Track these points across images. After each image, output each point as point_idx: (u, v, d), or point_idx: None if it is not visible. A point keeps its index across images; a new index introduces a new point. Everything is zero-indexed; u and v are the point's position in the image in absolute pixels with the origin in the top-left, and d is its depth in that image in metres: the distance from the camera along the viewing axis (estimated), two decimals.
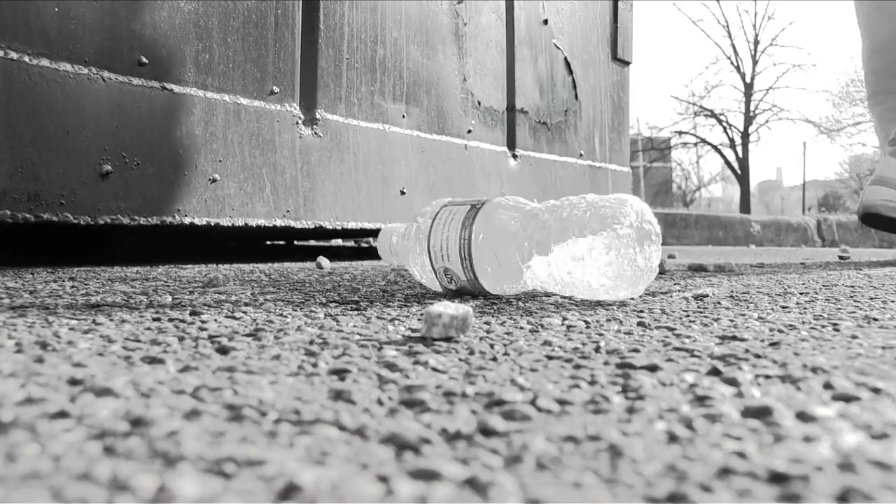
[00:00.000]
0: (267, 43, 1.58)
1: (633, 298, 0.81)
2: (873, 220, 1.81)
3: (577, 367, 0.42)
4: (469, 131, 2.14)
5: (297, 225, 1.64)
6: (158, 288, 0.92)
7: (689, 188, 21.32)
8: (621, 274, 0.72)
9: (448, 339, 0.51)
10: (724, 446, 0.26)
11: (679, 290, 0.96)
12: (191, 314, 0.64)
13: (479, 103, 2.19)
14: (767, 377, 0.39)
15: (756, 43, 17.14)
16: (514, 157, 2.33)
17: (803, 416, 0.30)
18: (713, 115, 17.15)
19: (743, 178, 16.82)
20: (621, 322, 0.63)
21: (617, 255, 0.71)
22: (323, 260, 1.49)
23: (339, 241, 3.50)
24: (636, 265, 0.72)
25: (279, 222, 1.60)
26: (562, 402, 0.33)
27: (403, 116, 1.92)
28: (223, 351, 0.46)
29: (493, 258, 0.78)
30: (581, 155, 2.67)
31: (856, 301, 0.82)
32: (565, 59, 2.57)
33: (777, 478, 0.23)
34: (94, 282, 1.00)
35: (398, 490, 0.22)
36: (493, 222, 0.78)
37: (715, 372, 0.40)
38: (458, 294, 0.85)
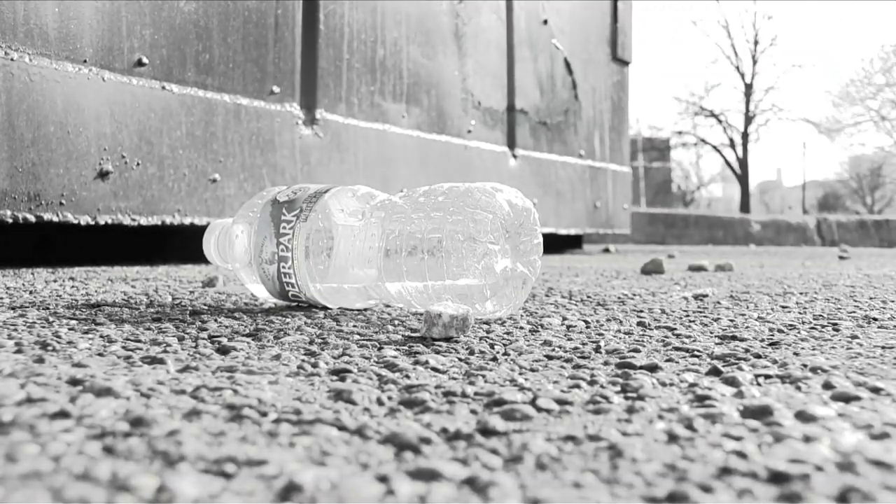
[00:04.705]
0: (267, 43, 1.58)
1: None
2: None
3: (577, 366, 0.42)
4: (469, 131, 2.14)
5: None
6: (158, 288, 0.92)
7: (689, 188, 21.33)
8: (500, 300, 0.61)
9: (448, 339, 0.51)
10: (724, 446, 0.26)
11: (679, 290, 0.96)
12: (191, 314, 0.64)
13: (479, 103, 2.19)
14: (767, 377, 0.39)
15: (756, 43, 17.14)
16: (515, 156, 2.33)
17: (803, 416, 0.30)
18: (713, 114, 17.15)
19: (743, 177, 16.82)
20: (621, 322, 0.63)
21: (494, 298, 0.60)
22: None
23: None
24: (513, 291, 0.62)
25: None
26: (562, 402, 0.33)
27: (403, 116, 1.92)
28: (223, 351, 0.46)
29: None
30: (581, 155, 2.67)
31: (855, 301, 0.82)
32: (565, 59, 2.57)
33: (777, 477, 0.23)
34: (94, 282, 1.00)
35: (398, 490, 0.22)
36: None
37: (715, 372, 0.40)
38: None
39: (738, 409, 0.32)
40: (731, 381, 0.37)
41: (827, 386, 0.36)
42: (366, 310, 0.70)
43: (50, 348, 0.45)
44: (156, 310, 0.68)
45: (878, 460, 0.25)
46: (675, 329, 0.58)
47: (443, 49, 2.05)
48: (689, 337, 0.54)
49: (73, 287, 0.91)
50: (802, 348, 0.49)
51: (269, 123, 1.58)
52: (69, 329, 0.54)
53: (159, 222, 1.40)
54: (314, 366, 0.41)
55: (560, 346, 0.49)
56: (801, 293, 0.93)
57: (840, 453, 0.25)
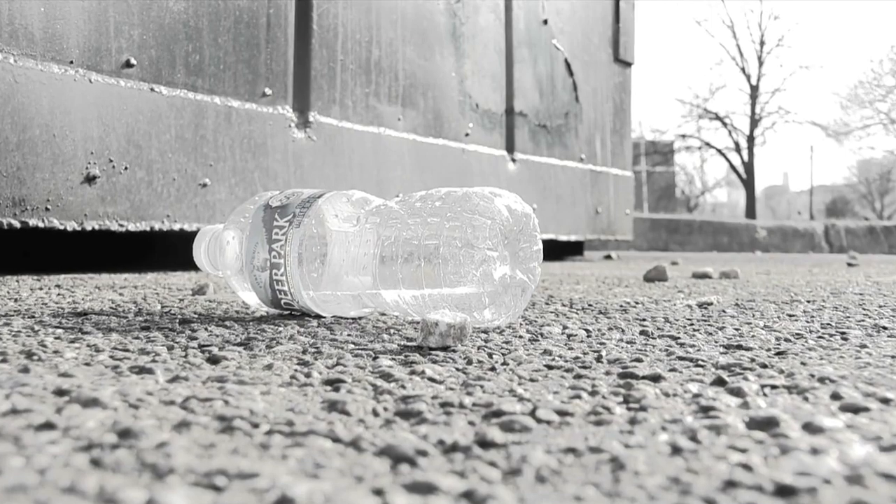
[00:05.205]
0: (259, 44, 1.58)
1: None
2: None
3: (578, 376, 0.42)
4: (467, 134, 2.14)
5: None
6: (147, 296, 0.92)
7: (693, 193, 21.36)
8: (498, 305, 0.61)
9: (445, 349, 0.51)
10: (730, 458, 0.26)
11: (683, 298, 0.96)
12: (180, 323, 0.64)
13: (477, 106, 2.19)
14: (774, 387, 0.39)
15: (762, 44, 17.18)
16: (513, 160, 2.34)
17: (810, 428, 0.30)
18: (718, 117, 17.16)
19: (748, 182, 16.84)
20: (623, 331, 0.63)
21: (493, 305, 0.61)
22: None
23: None
24: (512, 299, 0.62)
25: None
26: (562, 413, 0.33)
27: (399, 119, 1.92)
28: (214, 360, 0.46)
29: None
30: (582, 159, 2.68)
31: (864, 309, 0.82)
32: (565, 60, 2.58)
33: (784, 491, 0.23)
34: (81, 289, 1.00)
35: None
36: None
37: (720, 382, 0.40)
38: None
39: (744, 420, 0.32)
40: (737, 392, 0.37)
41: (835, 396, 0.36)
42: (360, 318, 0.70)
43: (35, 358, 0.45)
44: (144, 318, 0.68)
45: (887, 473, 0.25)
46: (679, 338, 0.58)
47: (440, 50, 2.05)
48: (693, 346, 0.54)
49: (59, 295, 0.91)
50: (810, 358, 0.49)
51: (261, 126, 1.58)
52: (55, 338, 0.54)
53: (148, 228, 1.40)
54: (307, 376, 0.41)
55: (560, 356, 0.49)
56: (808, 301, 0.93)
57: (848, 466, 0.26)
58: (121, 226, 1.35)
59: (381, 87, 1.87)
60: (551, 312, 0.77)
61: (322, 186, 1.69)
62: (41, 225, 1.25)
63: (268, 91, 1.60)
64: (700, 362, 0.46)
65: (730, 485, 0.24)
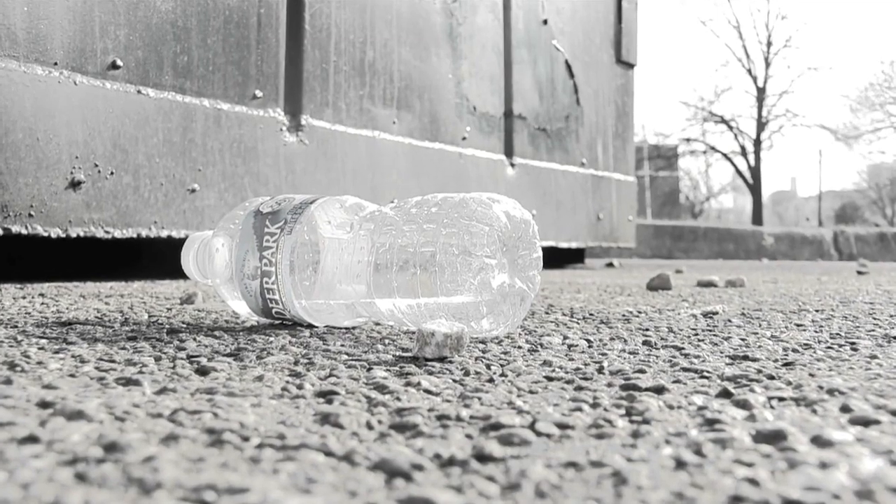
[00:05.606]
0: (249, 45, 1.58)
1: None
2: None
3: (579, 388, 0.42)
4: (464, 138, 2.15)
5: None
6: (134, 305, 0.92)
7: (698, 199, 21.41)
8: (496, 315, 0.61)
9: (441, 359, 0.51)
10: (736, 473, 0.27)
11: (687, 307, 0.96)
12: (168, 333, 0.64)
13: (475, 108, 2.20)
14: (781, 399, 0.39)
15: (769, 44, 17.22)
16: (512, 165, 2.34)
17: (819, 441, 0.31)
18: (723, 120, 17.19)
19: (755, 187, 16.87)
20: (626, 341, 0.63)
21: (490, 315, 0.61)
22: None
23: None
24: (511, 308, 0.63)
25: None
26: (562, 426, 0.33)
27: (394, 122, 1.92)
28: (202, 372, 0.46)
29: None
30: (583, 163, 2.68)
31: (875, 319, 0.83)
32: (566, 61, 2.58)
33: None
34: (66, 298, 1.00)
35: None
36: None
37: (725, 394, 0.40)
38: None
39: (750, 433, 0.32)
40: (743, 404, 0.37)
41: (844, 409, 0.36)
42: (354, 328, 0.70)
43: (18, 369, 0.45)
44: (131, 328, 0.68)
45: None
46: (683, 348, 0.58)
47: (436, 51, 2.06)
48: (697, 357, 0.54)
49: (43, 304, 0.91)
50: (818, 369, 0.49)
51: (252, 130, 1.59)
52: (39, 349, 0.54)
53: (135, 235, 1.40)
54: (299, 387, 0.41)
55: (561, 367, 0.49)
56: (816, 310, 0.93)
57: (858, 481, 0.26)
58: (107, 232, 1.35)
59: (375, 90, 1.87)
60: (551, 322, 0.78)
61: (314, 192, 1.70)
62: (24, 232, 1.24)
63: (258, 93, 1.60)
64: (705, 373, 0.47)
65: (736, 500, 0.24)
